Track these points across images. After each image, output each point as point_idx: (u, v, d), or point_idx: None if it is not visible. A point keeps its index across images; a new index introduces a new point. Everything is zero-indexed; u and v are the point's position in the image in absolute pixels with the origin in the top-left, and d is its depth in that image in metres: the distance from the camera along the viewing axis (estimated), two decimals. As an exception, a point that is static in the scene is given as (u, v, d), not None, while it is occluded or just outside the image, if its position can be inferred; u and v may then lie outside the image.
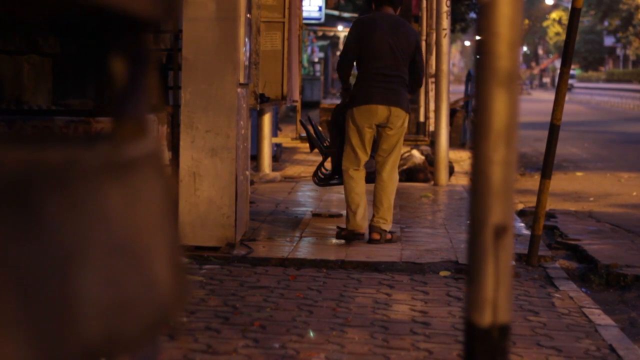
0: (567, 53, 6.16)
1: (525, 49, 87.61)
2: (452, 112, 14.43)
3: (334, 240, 6.70)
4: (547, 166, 6.23)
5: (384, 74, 6.62)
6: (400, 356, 3.96)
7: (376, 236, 6.63)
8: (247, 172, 6.69)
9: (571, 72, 6.51)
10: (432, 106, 12.41)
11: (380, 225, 6.63)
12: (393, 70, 6.63)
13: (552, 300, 5.23)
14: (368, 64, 6.66)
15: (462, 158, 14.11)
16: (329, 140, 7.32)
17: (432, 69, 12.25)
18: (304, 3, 13.90)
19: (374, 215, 6.68)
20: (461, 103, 17.53)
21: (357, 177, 6.71)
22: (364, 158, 6.72)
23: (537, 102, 43.85)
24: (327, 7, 24.75)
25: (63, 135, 5.09)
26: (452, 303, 5.02)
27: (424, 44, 14.84)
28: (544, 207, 6.31)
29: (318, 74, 36.08)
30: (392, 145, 6.70)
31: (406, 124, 6.75)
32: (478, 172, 1.79)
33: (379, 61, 6.63)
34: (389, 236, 6.68)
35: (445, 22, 10.80)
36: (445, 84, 10.80)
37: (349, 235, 6.64)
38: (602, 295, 5.92)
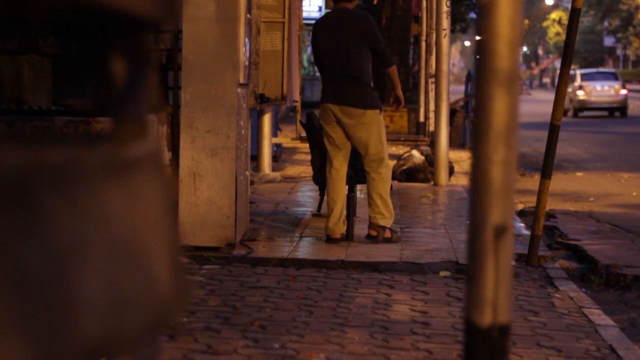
0: (567, 53, 6.17)
1: (525, 49, 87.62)
2: (452, 112, 14.44)
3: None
4: (547, 166, 6.24)
5: (334, 74, 6.66)
6: (400, 356, 3.96)
7: (373, 232, 6.61)
8: (247, 172, 6.69)
9: (571, 72, 6.51)
10: (432, 106, 12.41)
11: (378, 221, 6.59)
12: (343, 69, 6.60)
13: (552, 300, 5.23)
14: (323, 66, 6.76)
15: (462, 158, 14.11)
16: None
17: (432, 69, 12.25)
18: (304, 3, 13.91)
19: (370, 213, 6.66)
20: (461, 103, 17.54)
21: (334, 179, 6.66)
22: (334, 154, 6.66)
23: (537, 102, 43.86)
24: (327, 7, 24.74)
25: (63, 135, 5.09)
26: (452, 303, 5.02)
27: (423, 44, 14.86)
28: (544, 207, 6.31)
29: (318, 74, 36.05)
30: (362, 143, 6.60)
31: (369, 120, 6.57)
32: (478, 172, 1.79)
33: (328, 63, 6.68)
34: (387, 234, 6.64)
35: (445, 22, 10.81)
36: (445, 84, 10.80)
37: (326, 237, 6.68)
38: (602, 295, 5.92)
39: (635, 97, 41.52)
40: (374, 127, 6.61)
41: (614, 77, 34.84)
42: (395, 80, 6.94)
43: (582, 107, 33.38)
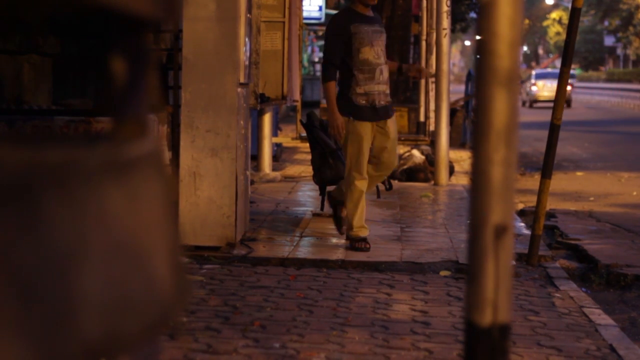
0: (567, 53, 6.16)
1: (525, 48, 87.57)
2: (452, 112, 14.43)
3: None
4: (547, 166, 6.23)
5: None
6: (401, 356, 3.96)
7: None
8: (247, 172, 6.69)
9: (571, 71, 6.51)
10: (432, 106, 12.41)
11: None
12: None
13: (552, 300, 5.23)
14: None
15: (462, 158, 14.11)
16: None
17: (433, 69, 12.25)
18: (304, 3, 13.90)
19: None
20: (461, 103, 17.53)
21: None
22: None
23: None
24: (327, 7, 24.73)
25: (63, 135, 5.09)
26: (452, 303, 5.02)
27: (424, 43, 14.85)
28: (544, 206, 6.31)
29: (318, 73, 36.09)
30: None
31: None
32: (478, 172, 1.79)
33: None
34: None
35: (446, 22, 10.80)
36: (445, 84, 10.80)
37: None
38: (602, 295, 5.92)
39: (636, 97, 41.93)
40: (345, 133, 6.29)
41: None
42: (327, 101, 6.29)
43: (535, 99, 42.79)
